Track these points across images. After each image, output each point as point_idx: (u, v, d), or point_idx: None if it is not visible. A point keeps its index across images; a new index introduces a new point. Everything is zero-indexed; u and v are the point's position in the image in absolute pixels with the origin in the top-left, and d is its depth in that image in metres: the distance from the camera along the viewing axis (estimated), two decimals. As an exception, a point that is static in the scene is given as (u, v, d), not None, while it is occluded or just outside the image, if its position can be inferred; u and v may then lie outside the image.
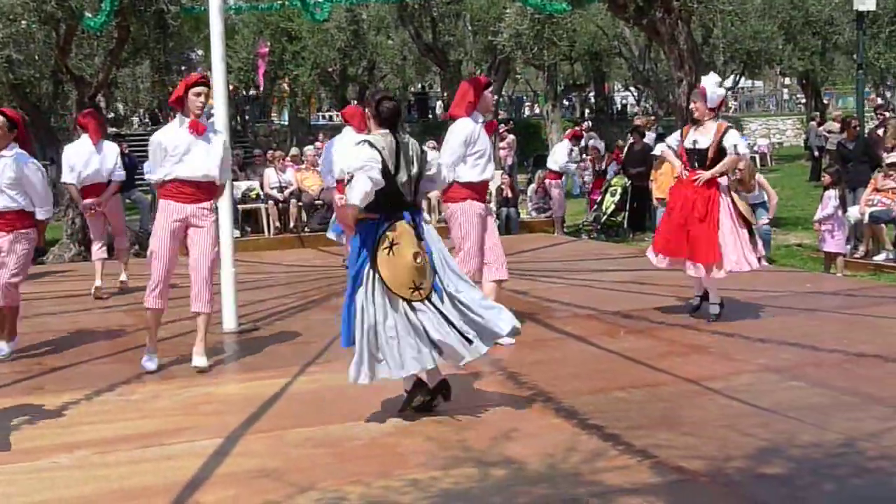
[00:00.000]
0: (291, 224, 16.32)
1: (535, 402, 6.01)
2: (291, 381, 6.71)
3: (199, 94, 7.06)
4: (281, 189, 16.48)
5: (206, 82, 7.22)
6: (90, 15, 13.55)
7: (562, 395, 6.10)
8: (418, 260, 5.42)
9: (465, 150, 7.48)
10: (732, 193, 7.97)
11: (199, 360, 7.15)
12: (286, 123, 35.50)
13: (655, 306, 8.83)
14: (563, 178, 17.29)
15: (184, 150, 7.06)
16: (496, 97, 25.02)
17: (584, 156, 21.05)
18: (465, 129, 7.49)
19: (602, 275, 11.29)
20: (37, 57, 14.30)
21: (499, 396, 6.20)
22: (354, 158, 5.47)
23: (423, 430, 5.48)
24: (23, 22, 13.43)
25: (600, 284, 10.50)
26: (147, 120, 37.99)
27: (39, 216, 7.72)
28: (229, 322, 8.54)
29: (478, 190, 7.62)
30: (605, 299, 9.36)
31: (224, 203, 8.53)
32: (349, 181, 5.48)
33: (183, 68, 24.50)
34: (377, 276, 5.44)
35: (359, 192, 5.36)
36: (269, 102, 37.09)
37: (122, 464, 5.12)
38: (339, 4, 20.86)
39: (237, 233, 13.79)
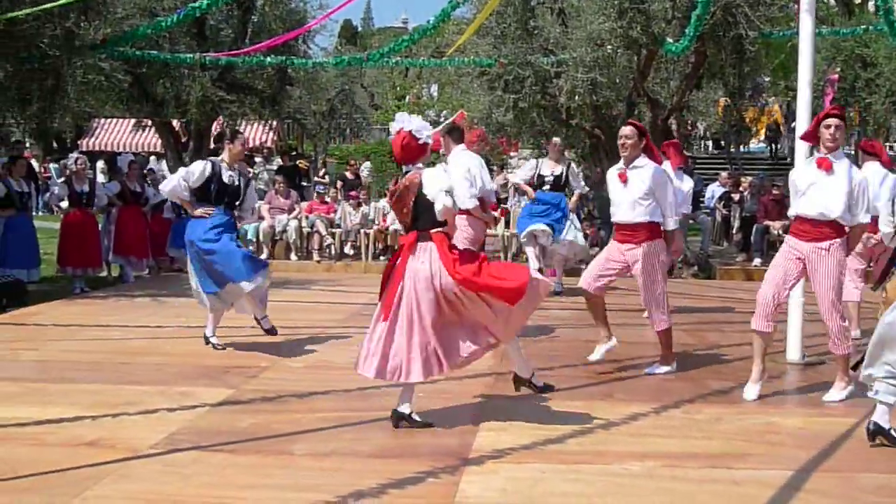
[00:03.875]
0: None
1: None
2: (860, 422, 6.38)
3: (828, 127, 6.82)
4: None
5: (839, 114, 6.94)
6: (671, 40, 13.95)
7: None
8: None
9: None
10: None
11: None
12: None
13: None
14: None
15: (806, 186, 6.96)
16: None
17: None
18: None
19: None
20: (617, 80, 14.98)
21: None
22: None
23: None
24: (608, 47, 14.14)
25: None
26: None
27: (669, 226, 7.86)
28: (793, 352, 8.34)
29: None
30: None
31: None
32: None
33: (750, 94, 24.35)
34: None
35: None
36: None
37: (689, 480, 5.20)
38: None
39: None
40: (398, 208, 6.15)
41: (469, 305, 5.98)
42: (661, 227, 7.81)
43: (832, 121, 6.81)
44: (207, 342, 8.74)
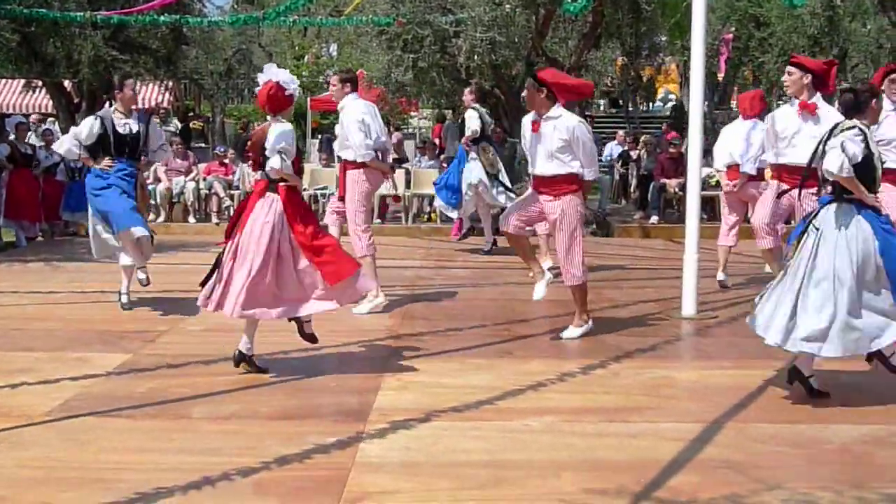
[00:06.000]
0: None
1: None
2: (751, 374, 6.56)
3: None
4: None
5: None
6: (570, 0, 14.01)
7: None
8: None
9: None
10: None
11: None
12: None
13: None
14: None
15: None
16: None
17: None
18: None
19: None
20: (516, 39, 14.99)
21: None
22: None
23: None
24: (507, 6, 14.13)
25: None
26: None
27: (588, 177, 7.57)
28: (688, 308, 8.52)
29: None
30: None
31: (692, 188, 8.58)
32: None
33: (647, 53, 24.60)
34: None
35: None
36: (730, 90, 36.44)
37: (587, 435, 5.29)
38: (818, -11, 20.05)
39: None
40: (251, 157, 6.50)
41: (297, 266, 6.30)
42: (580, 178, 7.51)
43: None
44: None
